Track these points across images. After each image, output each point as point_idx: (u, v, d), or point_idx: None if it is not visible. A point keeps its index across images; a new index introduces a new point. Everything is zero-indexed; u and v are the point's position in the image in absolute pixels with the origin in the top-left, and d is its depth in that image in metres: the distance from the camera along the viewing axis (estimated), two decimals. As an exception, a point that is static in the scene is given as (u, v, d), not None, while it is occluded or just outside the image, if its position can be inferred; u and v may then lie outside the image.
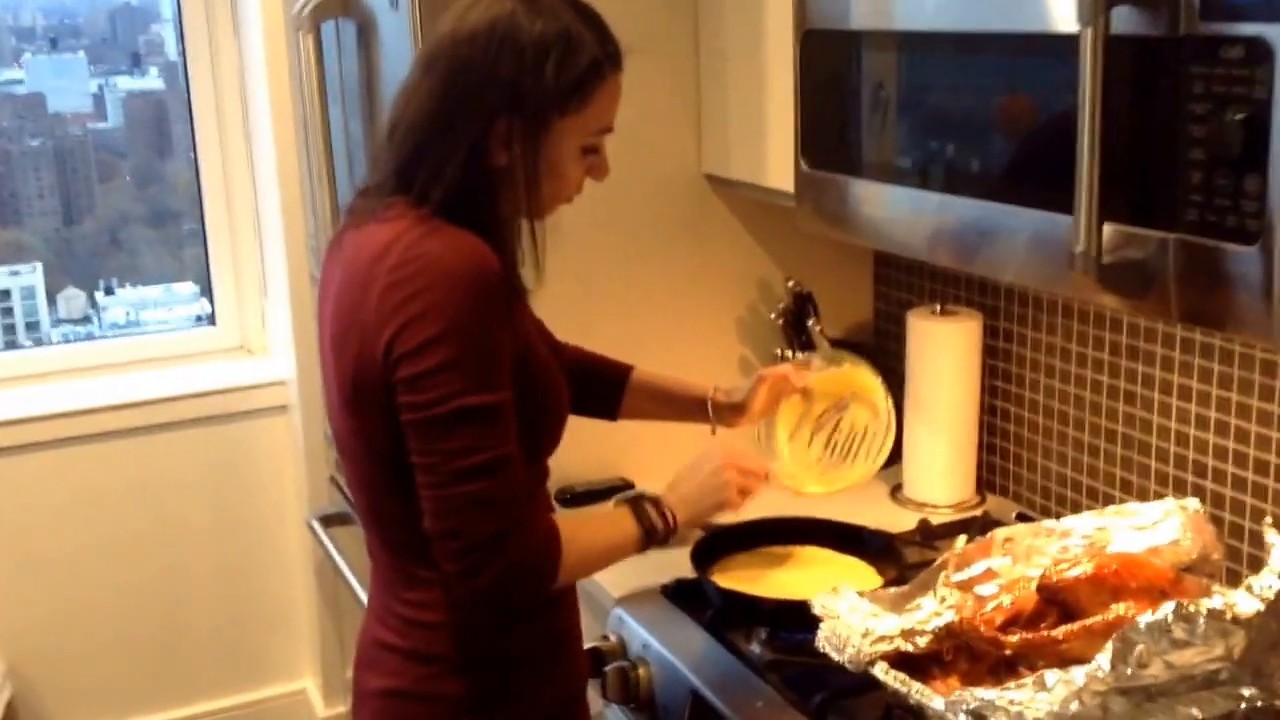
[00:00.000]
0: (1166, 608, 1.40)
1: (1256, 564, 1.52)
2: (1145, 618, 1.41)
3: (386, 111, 1.73)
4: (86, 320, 3.75)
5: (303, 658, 3.71)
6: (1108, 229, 1.50)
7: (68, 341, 3.65)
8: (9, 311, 3.61)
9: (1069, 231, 1.51)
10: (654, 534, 1.77)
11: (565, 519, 1.70)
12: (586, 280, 2.47)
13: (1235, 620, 1.39)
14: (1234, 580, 1.56)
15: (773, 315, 2.59)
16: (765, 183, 2.33)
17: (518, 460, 1.62)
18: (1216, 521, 1.93)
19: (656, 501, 1.80)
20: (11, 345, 3.62)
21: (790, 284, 2.56)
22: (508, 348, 1.61)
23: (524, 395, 1.65)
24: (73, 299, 3.72)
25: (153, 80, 3.80)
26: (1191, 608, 1.40)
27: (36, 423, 3.29)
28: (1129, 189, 1.49)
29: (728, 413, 2.10)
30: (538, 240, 1.73)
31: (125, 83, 3.78)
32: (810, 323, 2.53)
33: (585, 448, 2.06)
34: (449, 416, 1.57)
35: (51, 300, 3.68)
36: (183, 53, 3.50)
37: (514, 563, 1.60)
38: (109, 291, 3.78)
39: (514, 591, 1.64)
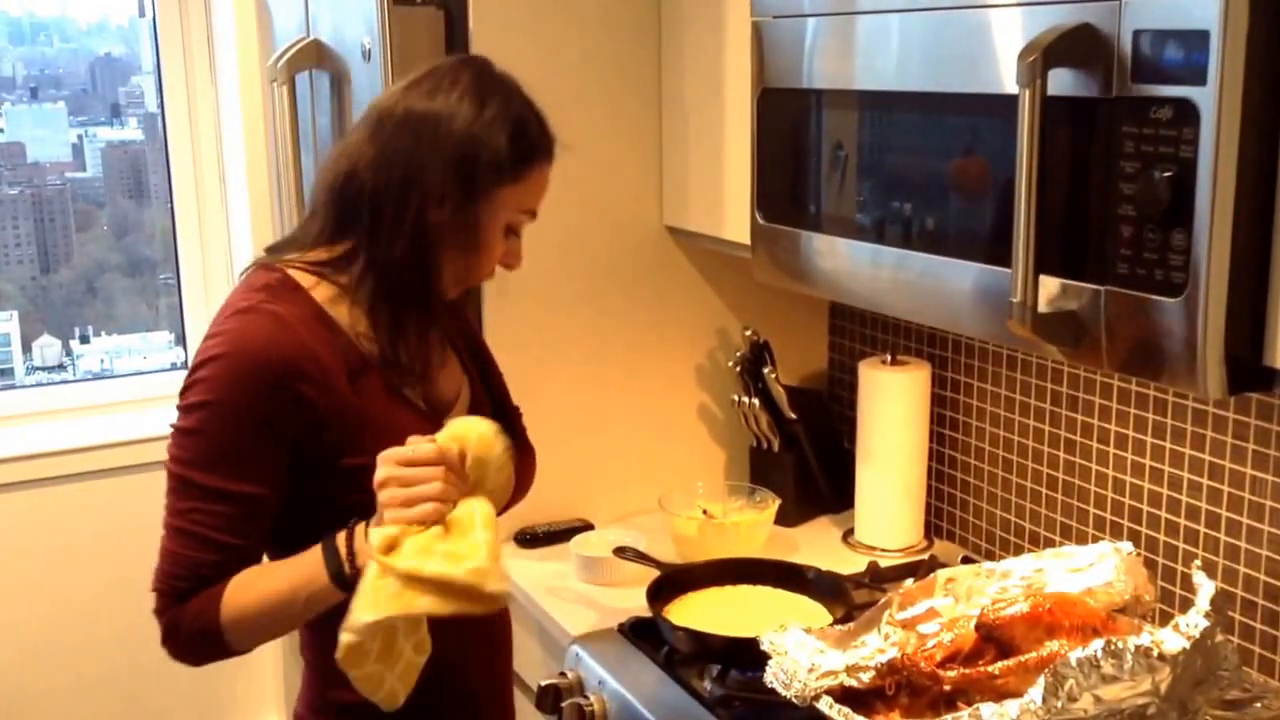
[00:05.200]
0: (1096, 644, 1.44)
1: (1187, 606, 1.55)
2: (1076, 653, 1.45)
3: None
4: (61, 368, 3.69)
5: (267, 698, 3.71)
6: (1044, 281, 1.54)
7: (41, 386, 3.64)
8: (-17, 358, 3.61)
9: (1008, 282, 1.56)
10: (340, 565, 1.57)
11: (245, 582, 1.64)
12: (550, 327, 2.51)
13: (1162, 657, 1.44)
14: (1165, 621, 1.60)
15: (731, 363, 2.62)
16: (723, 235, 2.37)
17: (234, 549, 1.63)
18: (1149, 564, 1.97)
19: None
20: (-15, 391, 3.58)
21: (748, 333, 2.58)
22: (265, 444, 1.62)
23: (326, 500, 1.66)
24: (48, 347, 3.68)
25: (132, 131, 3.79)
26: (1120, 644, 1.44)
27: (6, 464, 3.26)
28: (1064, 242, 1.54)
29: None
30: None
31: (105, 133, 3.78)
32: (767, 370, 2.56)
33: (545, 490, 2.09)
34: (173, 476, 1.63)
35: (26, 348, 3.64)
36: (161, 104, 3.51)
37: (167, 624, 1.64)
38: (84, 339, 3.74)
39: (182, 649, 1.66)
